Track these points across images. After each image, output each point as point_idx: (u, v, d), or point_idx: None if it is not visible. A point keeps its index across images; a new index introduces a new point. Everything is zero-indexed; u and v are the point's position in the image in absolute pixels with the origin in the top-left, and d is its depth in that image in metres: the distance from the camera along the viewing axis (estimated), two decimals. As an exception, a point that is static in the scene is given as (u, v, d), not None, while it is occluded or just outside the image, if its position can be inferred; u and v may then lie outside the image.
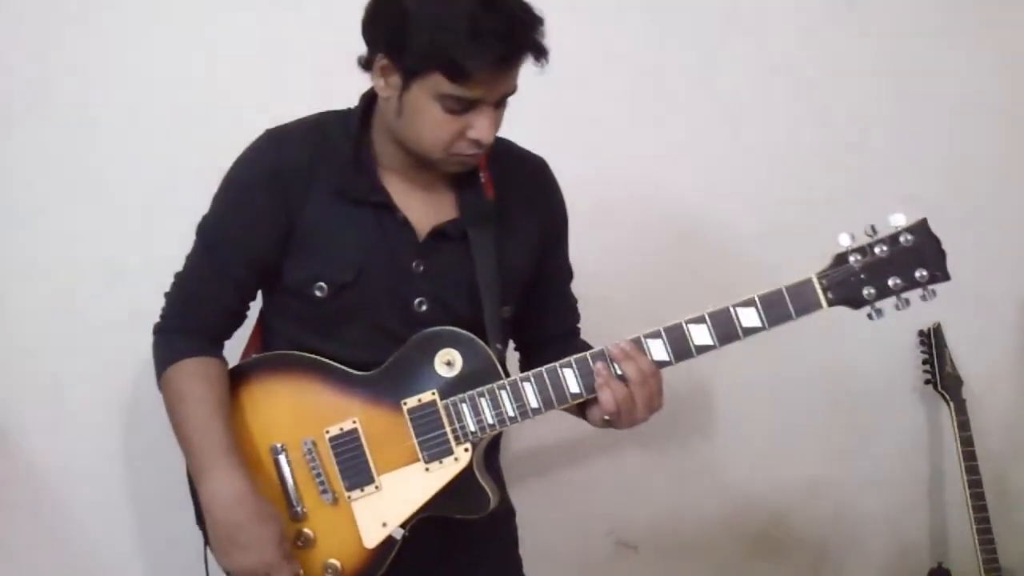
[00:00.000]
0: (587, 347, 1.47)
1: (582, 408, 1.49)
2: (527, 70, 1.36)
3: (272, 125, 1.50)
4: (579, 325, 1.67)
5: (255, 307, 1.61)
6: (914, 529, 2.48)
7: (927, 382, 2.36)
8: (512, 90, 1.37)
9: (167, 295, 1.55)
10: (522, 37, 1.30)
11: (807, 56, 2.28)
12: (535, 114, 1.61)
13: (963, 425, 2.27)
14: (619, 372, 1.41)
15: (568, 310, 1.66)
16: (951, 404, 2.30)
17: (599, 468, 2.28)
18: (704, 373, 2.26)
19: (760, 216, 2.27)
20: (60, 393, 1.94)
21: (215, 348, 1.53)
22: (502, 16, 1.28)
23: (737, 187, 2.26)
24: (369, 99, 1.47)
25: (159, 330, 1.54)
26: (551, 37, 1.34)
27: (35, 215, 1.93)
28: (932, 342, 2.34)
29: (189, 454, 1.45)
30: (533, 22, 1.32)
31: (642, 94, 2.20)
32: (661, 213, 2.23)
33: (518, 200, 1.54)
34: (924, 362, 2.36)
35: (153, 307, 1.55)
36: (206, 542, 1.52)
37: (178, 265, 1.54)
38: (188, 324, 1.52)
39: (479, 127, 1.35)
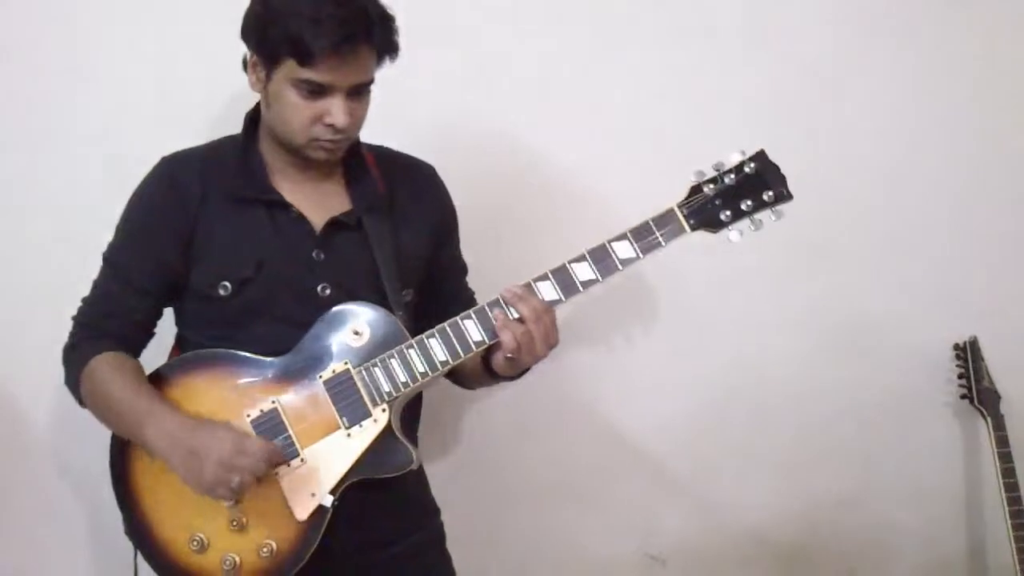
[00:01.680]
0: None
1: (485, 361, 1.59)
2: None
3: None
4: None
5: (170, 331, 1.68)
6: (950, 547, 2.43)
7: (963, 397, 2.30)
8: (364, 80, 1.50)
9: (75, 317, 1.60)
10: (362, 26, 1.44)
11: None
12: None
13: (1001, 441, 2.22)
14: (515, 315, 1.52)
15: (468, 302, 1.76)
16: (989, 419, 2.24)
17: (630, 482, 2.29)
18: (735, 385, 2.29)
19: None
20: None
21: (129, 352, 1.58)
22: (345, 6, 1.43)
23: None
24: (252, 117, 1.61)
25: (68, 348, 1.58)
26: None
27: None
28: (968, 356, 2.29)
29: (121, 421, 1.50)
30: (379, 16, 1.46)
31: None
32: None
33: (408, 195, 1.67)
34: (960, 376, 2.31)
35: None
36: (136, 549, 1.55)
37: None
38: (101, 334, 1.57)
39: (333, 112, 1.48)
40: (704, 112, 2.20)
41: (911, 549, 2.42)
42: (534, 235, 2.10)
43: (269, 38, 1.45)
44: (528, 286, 1.53)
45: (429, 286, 1.70)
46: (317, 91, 1.46)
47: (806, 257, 2.27)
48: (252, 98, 1.60)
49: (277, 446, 1.48)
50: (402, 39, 1.51)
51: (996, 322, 2.32)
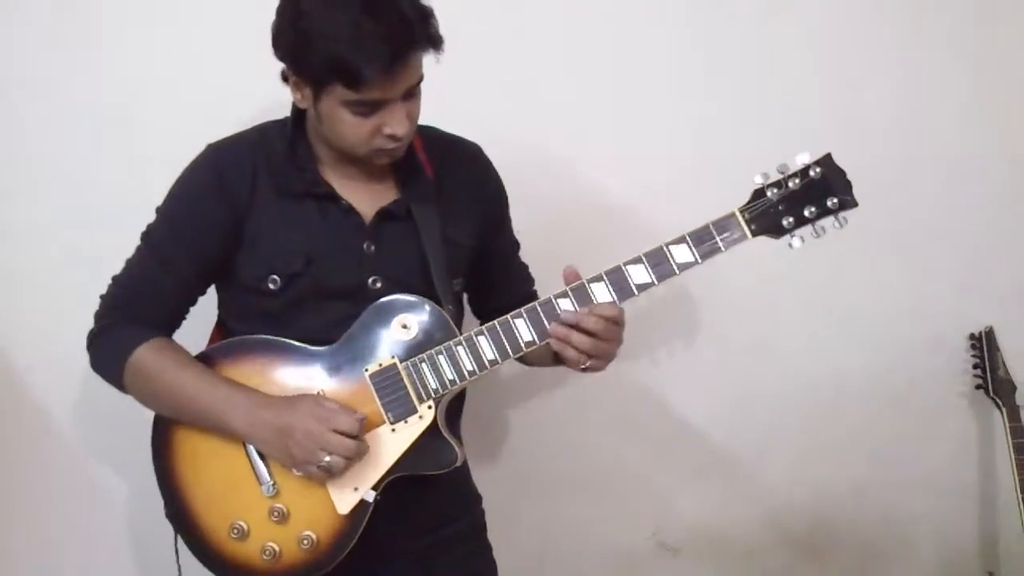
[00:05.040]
0: None
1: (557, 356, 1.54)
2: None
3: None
4: (535, 288, 1.77)
5: (210, 315, 1.65)
6: (963, 537, 2.43)
7: (978, 387, 2.30)
8: (416, 81, 1.44)
9: (105, 296, 1.57)
10: (407, 35, 1.37)
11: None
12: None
13: (1016, 431, 2.21)
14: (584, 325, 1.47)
15: (521, 277, 1.75)
16: (1004, 410, 2.24)
17: (644, 469, 2.28)
18: (751, 375, 2.28)
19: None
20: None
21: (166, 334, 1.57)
22: (385, 18, 1.35)
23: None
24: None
25: (100, 331, 1.55)
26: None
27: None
28: (984, 346, 2.29)
29: (188, 409, 1.49)
30: (420, 17, 1.39)
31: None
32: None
33: (456, 180, 1.62)
34: (975, 366, 2.31)
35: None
36: (176, 533, 1.55)
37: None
38: (133, 318, 1.55)
39: (392, 123, 1.43)
40: (732, 110, 2.18)
41: (925, 538, 2.43)
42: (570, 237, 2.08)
43: (311, 64, 1.38)
44: (581, 288, 1.49)
45: (481, 266, 1.67)
46: (372, 107, 1.41)
47: (822, 246, 2.21)
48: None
49: (361, 417, 1.45)
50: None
51: (1012, 312, 2.29)
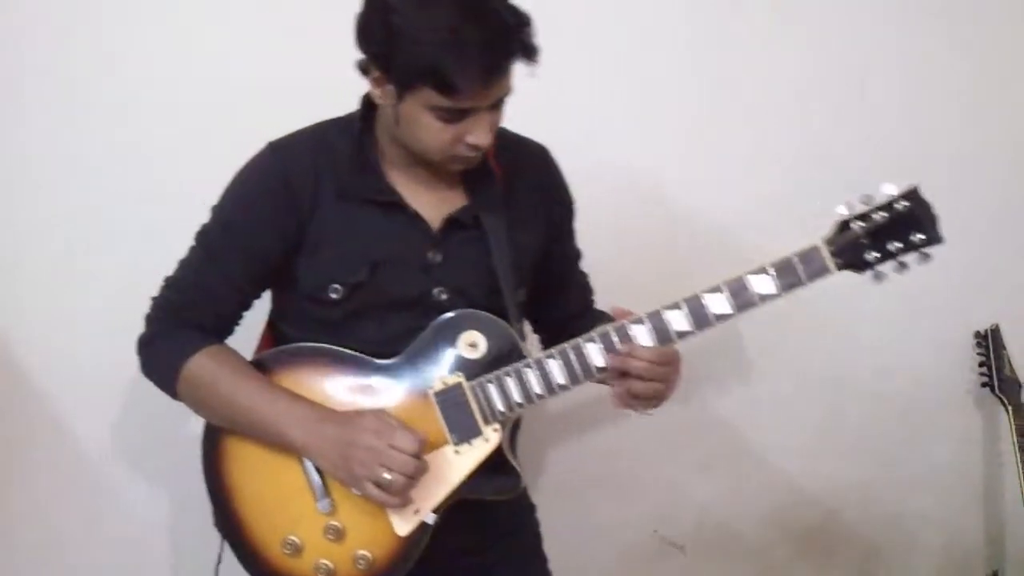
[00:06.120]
0: (606, 318, 1.51)
1: None
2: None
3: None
4: (593, 298, 1.72)
5: (257, 313, 1.58)
6: (968, 535, 2.44)
7: (984, 385, 2.29)
8: (506, 93, 1.37)
9: (157, 299, 1.50)
10: (507, 44, 1.29)
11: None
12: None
13: (1022, 429, 2.21)
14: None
15: (582, 287, 1.70)
16: (1009, 408, 2.23)
17: (648, 465, 2.27)
18: (755, 372, 2.27)
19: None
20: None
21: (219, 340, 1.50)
22: (485, 26, 1.27)
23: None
24: (369, 99, 1.46)
25: (153, 336, 1.49)
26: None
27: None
28: (989, 344, 2.28)
29: (254, 425, 1.43)
30: (519, 24, 1.31)
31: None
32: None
33: (524, 185, 1.55)
34: (981, 364, 2.30)
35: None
36: (223, 537, 1.51)
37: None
38: (187, 323, 1.48)
39: (476, 133, 1.36)
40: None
41: (930, 535, 2.45)
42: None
43: (401, 65, 1.30)
44: (656, 316, 1.44)
45: (543, 273, 1.61)
46: (459, 115, 1.33)
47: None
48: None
49: (423, 436, 1.38)
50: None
51: (1018, 310, 2.29)
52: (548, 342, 1.66)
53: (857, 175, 2.05)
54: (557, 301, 1.64)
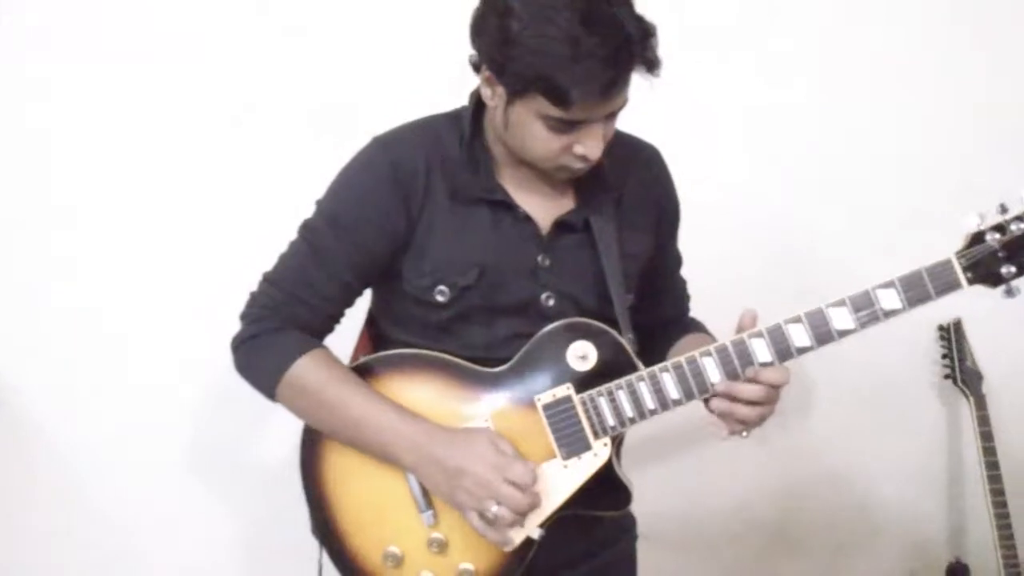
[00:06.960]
0: (700, 326, 1.48)
1: None
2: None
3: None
4: (689, 305, 1.66)
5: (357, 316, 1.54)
6: (932, 524, 2.47)
7: (947, 377, 2.34)
8: (622, 105, 1.31)
9: (256, 295, 1.45)
10: (626, 58, 1.22)
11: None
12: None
13: (983, 420, 2.26)
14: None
15: (681, 294, 1.65)
16: (971, 399, 2.28)
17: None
18: None
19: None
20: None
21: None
22: (606, 37, 1.20)
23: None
24: (479, 97, 1.40)
25: (255, 335, 1.44)
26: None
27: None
28: (952, 337, 2.32)
29: (359, 439, 1.39)
30: (643, 37, 1.23)
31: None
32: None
33: (635, 188, 1.49)
34: (944, 356, 2.34)
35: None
36: (320, 544, 1.48)
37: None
38: (289, 322, 1.43)
39: (587, 145, 1.30)
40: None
41: (895, 525, 2.46)
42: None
43: (515, 72, 1.23)
44: (777, 328, 1.38)
45: (646, 277, 1.55)
46: (570, 126, 1.27)
47: (794, 236, 2.24)
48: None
49: (535, 468, 1.34)
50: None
51: (980, 303, 2.22)
52: (640, 346, 1.59)
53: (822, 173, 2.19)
54: (652, 306, 1.57)
